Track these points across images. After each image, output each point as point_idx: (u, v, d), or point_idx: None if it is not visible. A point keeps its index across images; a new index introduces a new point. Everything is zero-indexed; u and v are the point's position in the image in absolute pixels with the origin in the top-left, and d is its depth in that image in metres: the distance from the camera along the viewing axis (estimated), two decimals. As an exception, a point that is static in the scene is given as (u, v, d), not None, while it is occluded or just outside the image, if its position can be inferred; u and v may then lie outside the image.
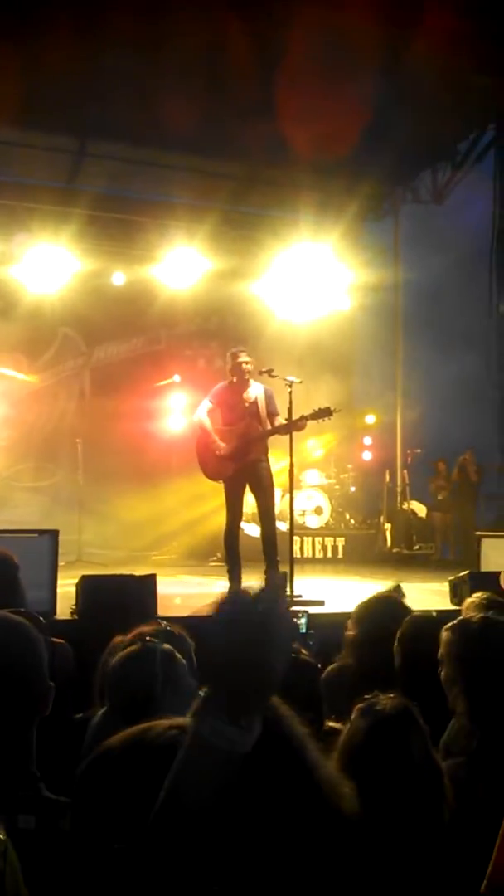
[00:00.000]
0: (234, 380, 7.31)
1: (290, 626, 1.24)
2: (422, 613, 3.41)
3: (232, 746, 1.15)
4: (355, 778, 1.79)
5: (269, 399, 7.31)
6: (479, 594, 3.62)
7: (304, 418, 7.02)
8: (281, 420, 7.17)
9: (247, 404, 7.28)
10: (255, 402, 7.29)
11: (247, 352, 7.34)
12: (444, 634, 2.60)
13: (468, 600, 3.60)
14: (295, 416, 7.02)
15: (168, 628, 2.64)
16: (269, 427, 7.24)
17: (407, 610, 3.55)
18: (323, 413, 7.05)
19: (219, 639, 1.18)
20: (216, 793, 1.17)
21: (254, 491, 7.36)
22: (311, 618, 5.86)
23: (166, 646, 2.37)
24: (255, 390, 7.32)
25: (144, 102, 9.61)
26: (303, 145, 10.06)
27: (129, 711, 2.25)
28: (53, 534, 5.86)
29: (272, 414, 7.27)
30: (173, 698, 2.07)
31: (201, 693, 1.19)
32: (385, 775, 1.89)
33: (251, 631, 1.17)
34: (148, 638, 2.42)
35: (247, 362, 7.22)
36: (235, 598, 1.21)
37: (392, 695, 2.07)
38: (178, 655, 2.35)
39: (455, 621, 2.65)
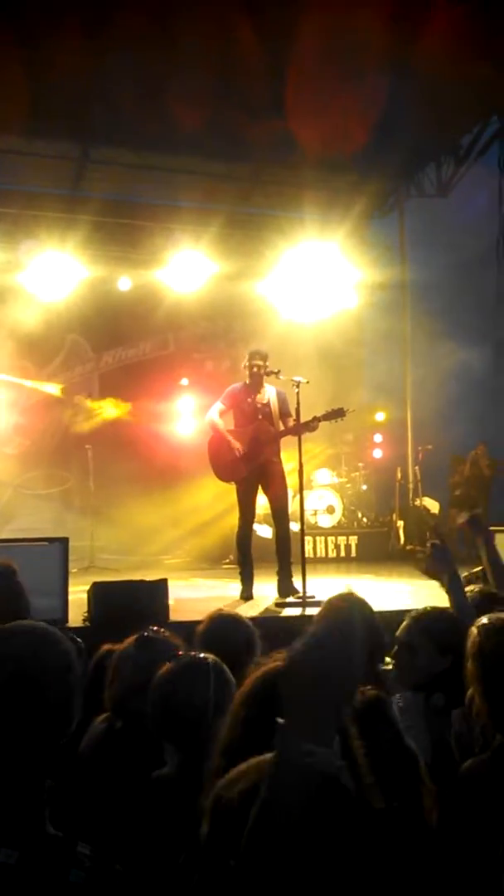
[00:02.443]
0: (248, 381, 7.30)
1: (373, 638, 1.28)
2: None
3: (317, 767, 1.17)
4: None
5: (283, 401, 7.31)
6: (471, 587, 3.57)
7: (316, 419, 6.99)
8: (291, 422, 7.16)
9: (259, 405, 7.28)
10: (267, 404, 7.29)
11: (264, 355, 7.32)
12: (473, 631, 2.54)
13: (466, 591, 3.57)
14: (303, 416, 7.00)
15: (159, 635, 2.62)
16: (281, 428, 7.23)
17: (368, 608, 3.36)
18: (336, 414, 7.03)
19: (303, 665, 1.22)
20: (303, 814, 1.18)
21: (266, 492, 7.36)
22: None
23: (214, 659, 2.30)
24: (268, 392, 7.32)
25: (149, 106, 9.59)
26: (312, 144, 10.03)
27: (176, 736, 2.21)
28: (63, 541, 5.87)
29: (285, 415, 7.26)
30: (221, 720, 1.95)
31: (280, 721, 1.20)
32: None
33: (331, 656, 1.21)
34: (202, 655, 2.34)
35: (263, 365, 7.21)
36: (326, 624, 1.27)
37: (369, 687, 2.05)
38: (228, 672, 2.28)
39: (485, 619, 2.58)
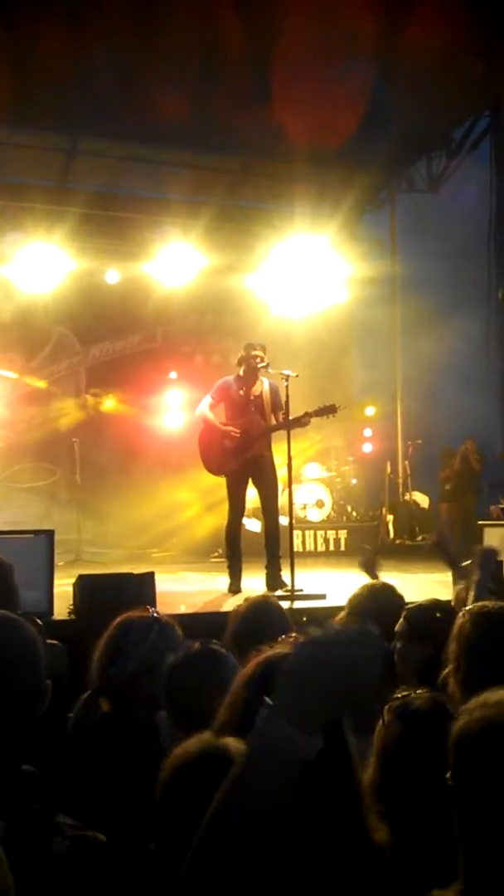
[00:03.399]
0: (242, 373, 7.26)
1: (378, 653, 1.28)
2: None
3: (295, 752, 1.18)
4: (393, 778, 1.78)
5: (275, 394, 7.28)
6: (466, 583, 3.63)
7: (308, 415, 6.97)
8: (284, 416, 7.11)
9: (251, 398, 7.24)
10: (259, 397, 7.26)
11: (262, 347, 7.28)
12: (461, 615, 2.65)
13: (456, 587, 3.65)
14: (293, 410, 6.96)
15: (156, 616, 2.60)
16: (273, 422, 7.20)
17: (401, 599, 3.57)
18: (327, 410, 7.01)
19: (307, 654, 1.24)
20: (275, 796, 1.20)
21: (257, 486, 7.33)
22: (313, 612, 5.83)
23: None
24: (260, 385, 7.28)
25: (136, 97, 9.53)
26: (299, 135, 9.98)
27: (183, 717, 2.21)
28: (49, 534, 5.82)
29: (277, 409, 7.23)
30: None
31: (268, 700, 1.22)
32: (424, 775, 1.84)
33: (338, 651, 1.23)
34: (214, 643, 2.44)
35: (259, 357, 7.16)
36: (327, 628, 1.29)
37: (422, 691, 2.05)
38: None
39: (474, 606, 2.70)
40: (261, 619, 3.18)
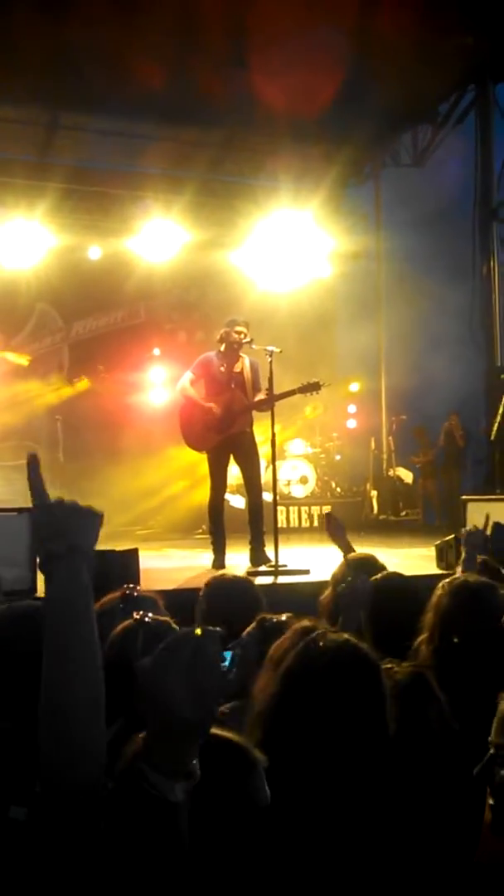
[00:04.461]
0: (223, 349, 7.22)
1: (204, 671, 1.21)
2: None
3: (167, 796, 1.17)
4: None
5: (255, 371, 7.24)
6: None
7: (291, 392, 6.94)
8: (263, 395, 7.08)
9: (233, 374, 7.21)
10: (241, 373, 7.23)
11: (244, 323, 7.23)
12: (439, 586, 2.69)
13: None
14: (276, 386, 6.94)
15: (135, 594, 2.59)
16: (254, 399, 7.17)
17: (385, 568, 3.61)
18: (311, 387, 6.98)
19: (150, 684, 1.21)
20: (152, 842, 1.17)
21: (239, 462, 7.32)
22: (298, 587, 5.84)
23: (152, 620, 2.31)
24: (242, 362, 7.25)
25: (116, 70, 9.40)
26: (277, 103, 9.87)
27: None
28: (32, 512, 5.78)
29: (257, 387, 7.19)
30: None
31: (139, 737, 1.19)
32: (403, 744, 1.84)
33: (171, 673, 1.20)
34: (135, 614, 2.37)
35: (242, 333, 7.12)
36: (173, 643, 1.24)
37: (406, 664, 2.06)
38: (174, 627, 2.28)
39: (453, 579, 2.76)
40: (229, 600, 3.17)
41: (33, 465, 1.55)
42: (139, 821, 1.13)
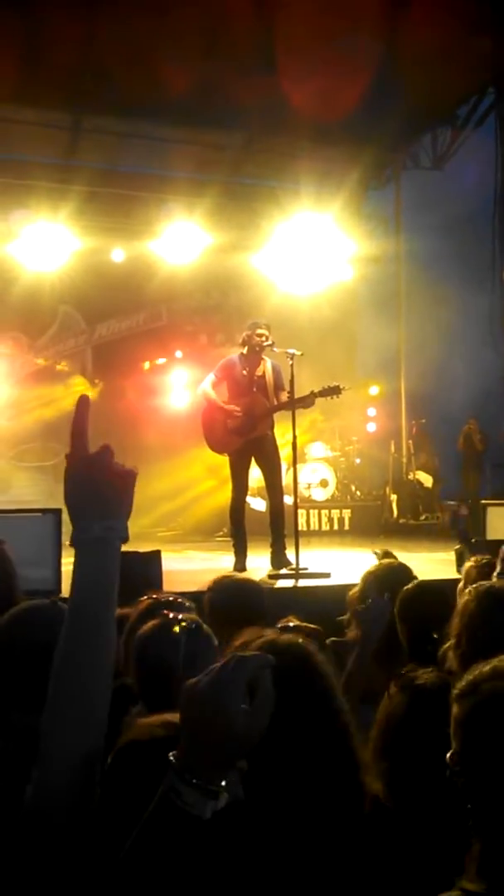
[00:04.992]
0: (245, 351, 7.25)
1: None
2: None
3: (199, 812, 1.13)
4: (394, 751, 1.76)
5: (278, 375, 7.25)
6: (476, 558, 3.66)
7: (313, 395, 6.94)
8: (285, 396, 7.11)
9: (255, 378, 7.23)
10: (263, 377, 7.23)
11: (266, 326, 7.26)
12: (467, 591, 2.66)
13: (467, 564, 3.65)
14: (297, 389, 6.96)
15: (170, 598, 2.59)
16: (275, 402, 7.19)
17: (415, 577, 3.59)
18: (332, 391, 6.96)
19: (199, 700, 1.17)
20: (178, 859, 1.15)
21: (260, 465, 7.33)
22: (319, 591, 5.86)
23: (186, 620, 2.29)
24: (264, 366, 7.27)
25: (141, 74, 9.46)
26: (303, 107, 9.91)
27: (148, 690, 2.22)
28: (56, 513, 5.84)
29: (279, 389, 7.20)
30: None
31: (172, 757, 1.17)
32: (426, 750, 1.86)
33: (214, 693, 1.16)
34: (170, 614, 2.35)
35: (264, 335, 7.14)
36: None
37: (430, 669, 2.08)
38: (206, 628, 2.28)
39: (480, 585, 2.72)
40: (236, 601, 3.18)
41: (82, 406, 1.47)
42: (173, 840, 1.14)
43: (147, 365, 13.26)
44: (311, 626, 2.40)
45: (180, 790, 1.13)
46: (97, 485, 1.42)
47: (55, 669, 1.36)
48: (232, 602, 3.17)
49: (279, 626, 2.31)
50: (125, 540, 1.43)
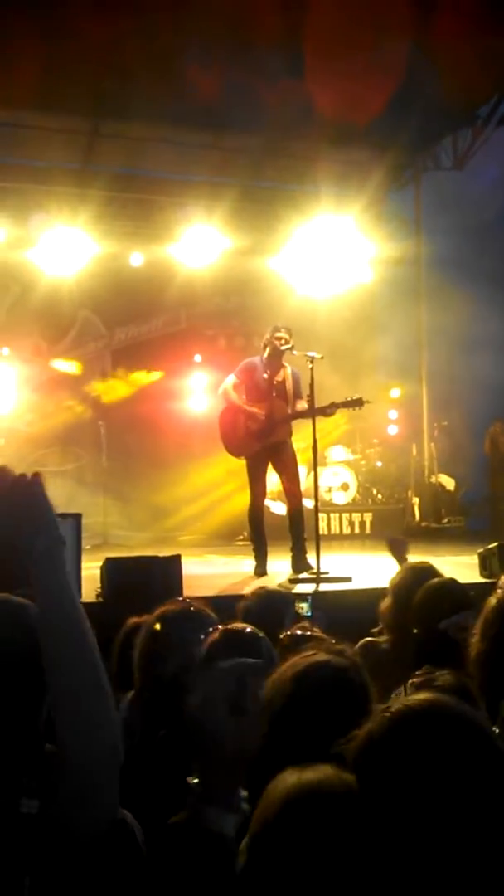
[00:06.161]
0: (266, 355, 7.21)
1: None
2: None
3: (223, 831, 1.20)
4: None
5: (297, 381, 7.23)
6: None
7: (334, 405, 6.89)
8: (304, 403, 7.06)
9: (275, 383, 7.19)
10: (283, 382, 7.21)
11: (286, 329, 7.22)
12: (496, 593, 2.64)
13: None
14: (317, 391, 6.90)
15: (191, 607, 2.56)
16: (294, 407, 7.15)
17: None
18: (354, 403, 6.94)
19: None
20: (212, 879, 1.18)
21: (277, 471, 7.31)
22: (338, 595, 5.81)
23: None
24: (284, 371, 7.23)
25: (160, 77, 9.45)
26: (328, 110, 9.87)
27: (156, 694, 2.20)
28: (76, 517, 5.82)
29: (298, 396, 7.17)
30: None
31: (194, 781, 1.21)
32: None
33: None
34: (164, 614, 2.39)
35: (283, 339, 7.11)
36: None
37: (446, 671, 2.04)
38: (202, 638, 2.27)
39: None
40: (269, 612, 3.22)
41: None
42: (199, 859, 1.15)
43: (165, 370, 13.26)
44: (328, 636, 2.32)
45: (201, 810, 1.17)
46: (19, 507, 1.54)
47: (50, 668, 1.45)
48: (264, 611, 3.25)
49: (289, 633, 2.27)
50: (65, 542, 1.54)
